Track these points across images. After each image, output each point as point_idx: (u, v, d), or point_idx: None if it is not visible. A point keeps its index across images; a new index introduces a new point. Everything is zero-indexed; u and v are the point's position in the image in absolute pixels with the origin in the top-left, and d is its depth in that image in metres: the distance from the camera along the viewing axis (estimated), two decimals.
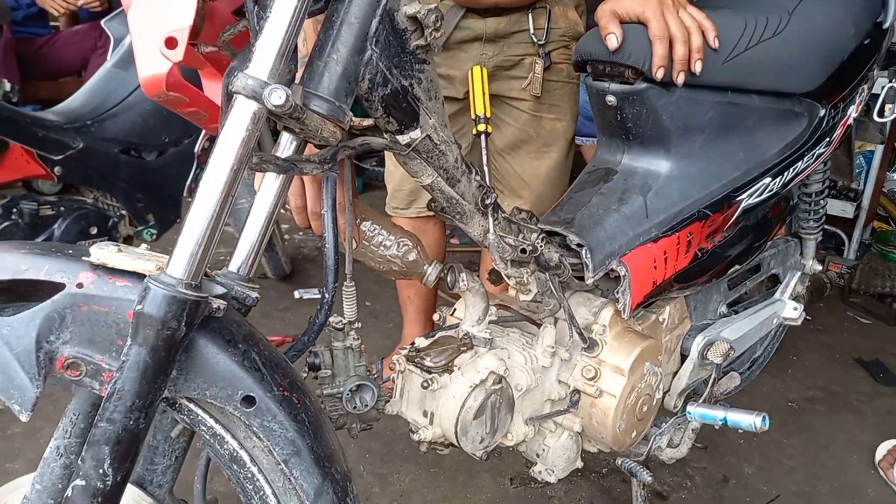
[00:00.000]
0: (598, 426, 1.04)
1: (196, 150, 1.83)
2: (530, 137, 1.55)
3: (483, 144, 0.94)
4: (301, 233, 2.97)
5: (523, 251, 0.90)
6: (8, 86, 2.01)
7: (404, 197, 1.64)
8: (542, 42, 1.42)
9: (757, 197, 1.17)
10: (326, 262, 0.82)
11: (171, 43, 0.61)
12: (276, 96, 0.62)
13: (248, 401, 0.68)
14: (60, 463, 0.71)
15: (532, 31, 1.41)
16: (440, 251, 1.76)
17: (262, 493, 0.72)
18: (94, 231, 1.73)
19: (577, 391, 1.03)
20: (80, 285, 0.66)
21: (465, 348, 0.98)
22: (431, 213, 1.72)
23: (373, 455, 1.58)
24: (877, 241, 2.68)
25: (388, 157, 1.67)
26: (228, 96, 0.65)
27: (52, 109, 1.75)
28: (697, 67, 1.01)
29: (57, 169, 1.65)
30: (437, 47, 1.42)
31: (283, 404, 0.70)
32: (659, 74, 1.00)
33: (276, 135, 0.84)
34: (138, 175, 1.80)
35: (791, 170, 1.20)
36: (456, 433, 0.93)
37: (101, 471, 0.62)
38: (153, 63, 0.63)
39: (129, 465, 0.64)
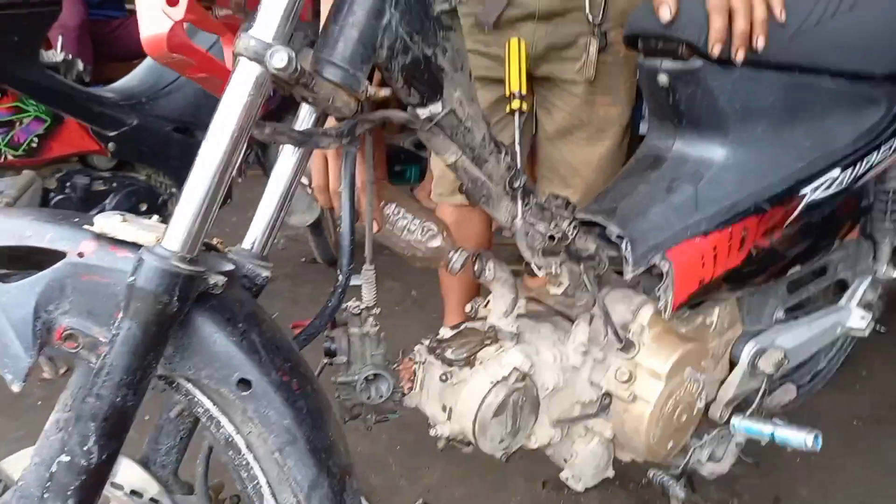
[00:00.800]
0: (631, 433, 0.97)
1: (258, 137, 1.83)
2: (582, 123, 1.47)
3: (517, 124, 0.87)
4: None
5: (551, 238, 0.84)
6: (81, 66, 2.06)
7: (450, 183, 1.58)
8: (598, 21, 1.33)
9: (824, 191, 1.06)
10: (342, 243, 0.78)
11: (172, 0, 0.58)
12: (279, 58, 0.58)
13: (244, 384, 0.65)
14: (59, 437, 0.70)
15: (588, 9, 1.32)
16: (484, 242, 1.70)
17: (256, 481, 0.68)
18: (143, 207, 1.75)
19: (608, 394, 0.96)
20: (81, 254, 0.64)
21: (489, 342, 0.92)
22: None
23: (404, 447, 1.54)
24: None
25: None
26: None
27: (109, 87, 1.78)
28: (760, 43, 0.91)
29: (111, 145, 1.68)
30: (488, 25, 1.37)
31: (281, 390, 0.66)
32: (716, 50, 0.91)
33: None
34: (189, 153, 1.80)
35: (864, 162, 1.08)
36: (474, 431, 0.88)
37: (85, 448, 0.60)
38: (155, 22, 0.60)
39: (115, 443, 0.62)
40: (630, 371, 0.95)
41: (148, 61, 1.85)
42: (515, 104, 0.89)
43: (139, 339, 0.60)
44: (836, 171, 1.06)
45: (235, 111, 0.60)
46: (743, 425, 1.02)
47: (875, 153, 1.09)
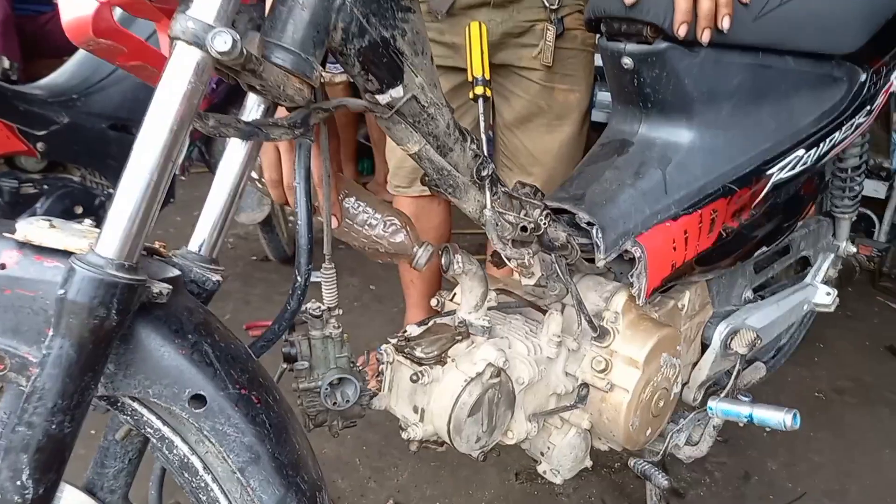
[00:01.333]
0: (609, 423, 0.94)
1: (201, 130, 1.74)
2: (541, 110, 1.44)
3: (480, 110, 0.83)
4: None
5: (524, 229, 0.80)
6: (7, 63, 1.92)
7: (406, 175, 1.53)
8: (555, 6, 1.29)
9: (789, 171, 1.05)
10: (299, 242, 0.73)
11: None
12: (221, 41, 0.52)
13: (198, 400, 0.59)
14: None
15: None
16: (445, 233, 1.65)
17: None
18: (79, 210, 1.64)
19: (585, 385, 0.93)
20: (2, 266, 0.57)
21: (460, 337, 0.88)
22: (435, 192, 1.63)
23: (370, 447, 1.49)
24: None
25: None
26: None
27: (37, 83, 1.66)
28: (725, 24, 0.89)
29: (40, 145, 1.56)
30: (441, 13, 1.32)
31: (240, 404, 0.60)
32: (681, 32, 0.88)
33: None
34: (127, 152, 1.70)
35: (827, 141, 1.08)
36: (449, 432, 0.84)
37: (18, 483, 0.53)
38: (78, 4, 0.53)
39: (53, 475, 0.55)
40: (606, 360, 0.92)
41: (79, 55, 1.73)
42: (479, 89, 0.85)
43: (74, 359, 0.53)
44: (800, 151, 1.05)
45: (174, 101, 0.54)
46: (720, 408, 1.01)
47: (837, 132, 1.09)
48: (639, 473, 1.02)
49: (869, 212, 2.56)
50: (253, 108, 0.71)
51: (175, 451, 0.63)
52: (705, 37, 0.90)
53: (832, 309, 1.30)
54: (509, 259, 0.85)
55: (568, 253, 0.90)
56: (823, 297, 1.27)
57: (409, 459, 1.46)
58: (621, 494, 1.38)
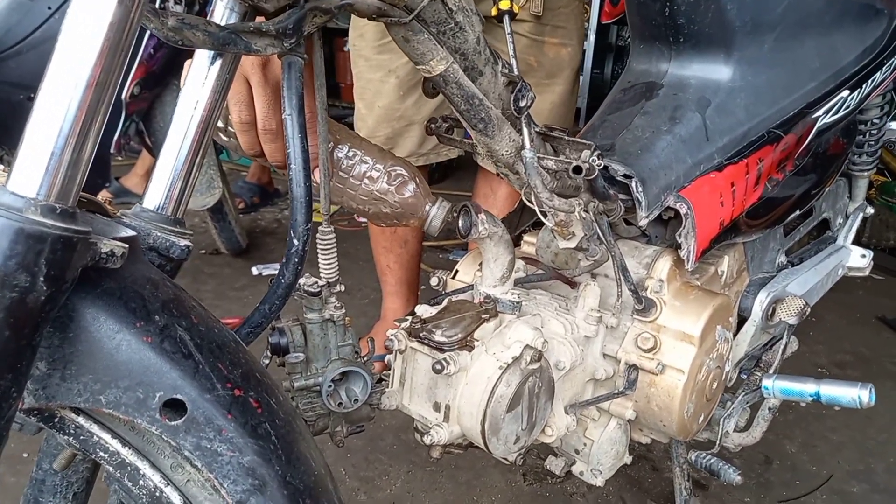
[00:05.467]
0: (660, 411, 0.80)
1: (124, 96, 1.51)
2: (530, 67, 1.30)
3: (507, 30, 0.67)
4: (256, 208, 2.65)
5: (577, 170, 0.64)
6: None
7: (380, 144, 1.36)
8: None
9: (833, 115, 0.93)
10: (294, 192, 0.55)
11: None
12: None
13: (174, 407, 0.41)
14: None
15: None
16: None
17: None
18: None
19: (633, 367, 0.79)
20: None
21: (486, 316, 0.72)
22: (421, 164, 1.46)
23: (355, 454, 1.31)
24: (881, 194, 2.51)
25: (358, 96, 1.39)
26: None
27: None
28: None
29: None
30: None
31: (234, 410, 0.43)
32: None
33: None
34: None
35: (869, 82, 0.97)
36: (483, 432, 0.67)
37: None
38: None
39: None
40: (654, 336, 0.78)
41: None
42: (504, 4, 0.69)
43: None
44: (844, 92, 0.94)
45: None
46: (779, 387, 0.88)
47: (878, 72, 0.98)
48: (703, 470, 0.89)
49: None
50: (224, 14, 0.53)
51: (141, 483, 0.44)
52: None
53: (867, 272, 1.20)
54: (548, 215, 0.69)
55: (613, 209, 0.75)
56: (858, 259, 1.17)
57: (400, 465, 1.28)
58: (640, 490, 1.25)
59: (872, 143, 1.24)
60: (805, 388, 0.87)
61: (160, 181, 0.55)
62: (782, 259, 1.07)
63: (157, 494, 0.44)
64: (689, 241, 0.79)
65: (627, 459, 0.87)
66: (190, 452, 0.42)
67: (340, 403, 0.66)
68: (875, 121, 1.22)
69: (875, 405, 1.49)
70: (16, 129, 1.41)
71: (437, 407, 0.71)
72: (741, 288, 0.99)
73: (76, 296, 0.39)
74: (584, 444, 0.84)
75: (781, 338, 1.08)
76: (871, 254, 1.18)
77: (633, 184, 0.78)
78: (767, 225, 0.96)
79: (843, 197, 1.29)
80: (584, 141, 0.67)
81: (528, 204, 0.70)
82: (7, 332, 0.35)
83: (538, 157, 0.66)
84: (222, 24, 0.52)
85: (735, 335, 0.99)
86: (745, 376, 1.00)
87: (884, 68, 0.99)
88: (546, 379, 0.71)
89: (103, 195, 2.41)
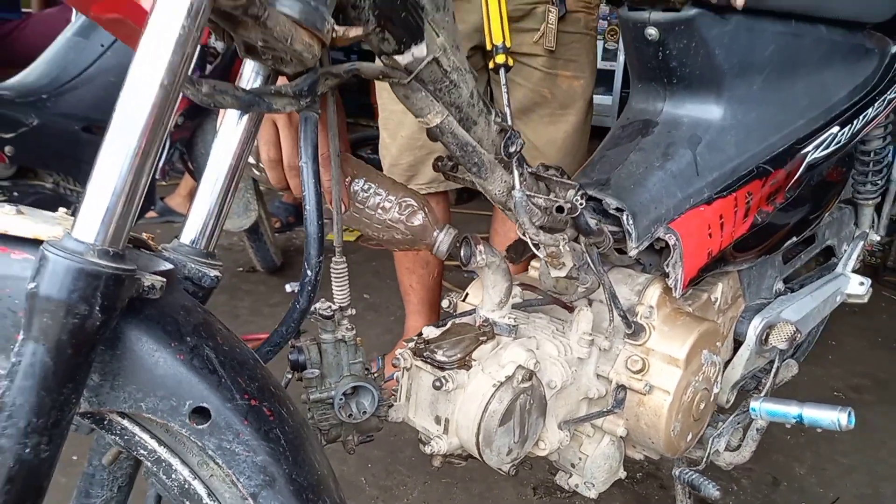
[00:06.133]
0: (648, 429, 0.86)
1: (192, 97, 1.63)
2: (544, 99, 1.36)
3: (503, 80, 0.75)
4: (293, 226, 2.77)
5: (559, 209, 0.71)
6: None
7: (402, 172, 1.45)
8: None
9: (823, 150, 0.98)
10: (308, 230, 0.63)
11: None
12: None
13: (200, 414, 0.50)
14: None
15: None
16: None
17: None
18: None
19: (622, 387, 0.85)
20: None
21: (484, 338, 0.79)
22: (433, 191, 1.54)
23: (376, 465, 1.39)
24: None
25: (383, 125, 1.48)
26: None
27: (3, 83, 1.55)
28: None
29: (8, 149, 1.45)
30: None
31: (250, 417, 0.51)
32: None
33: None
34: None
35: (860, 118, 1.02)
36: (478, 443, 0.75)
37: None
38: None
39: None
40: (643, 359, 0.84)
41: (50, 52, 1.62)
42: (500, 58, 0.77)
43: (50, 368, 0.44)
44: (834, 128, 0.99)
45: (163, 52, 0.45)
46: (765, 408, 0.93)
47: (870, 108, 1.03)
48: (685, 485, 0.94)
49: None
50: (251, 77, 0.62)
51: (174, 476, 0.53)
52: (740, 0, 0.83)
53: (866, 299, 1.23)
54: (540, 247, 0.77)
55: (601, 241, 0.81)
56: (857, 287, 1.20)
57: (418, 476, 1.36)
58: None
59: (876, 172, 1.27)
60: (789, 411, 0.91)
61: (195, 219, 0.64)
62: (780, 286, 1.12)
63: (186, 486, 0.53)
64: (677, 271, 0.85)
65: (622, 474, 0.93)
66: (213, 452, 0.50)
67: (351, 415, 0.73)
68: (877, 151, 1.26)
69: (888, 428, 1.52)
70: (70, 156, 1.55)
71: (437, 420, 0.78)
72: (737, 314, 1.04)
73: (123, 321, 0.48)
74: (580, 459, 0.90)
75: (775, 362, 1.13)
76: (870, 281, 1.21)
77: (625, 217, 0.85)
78: (759, 254, 1.01)
79: (848, 224, 1.32)
80: (569, 182, 0.74)
81: (520, 237, 0.77)
82: (70, 351, 0.44)
83: (528, 196, 0.73)
84: (249, 85, 0.61)
85: (731, 359, 1.05)
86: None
87: (876, 104, 1.03)
88: (537, 396, 0.78)
89: (149, 215, 2.56)
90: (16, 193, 1.47)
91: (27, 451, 0.44)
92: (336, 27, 0.54)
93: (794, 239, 1.09)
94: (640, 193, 0.88)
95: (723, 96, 0.92)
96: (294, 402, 0.58)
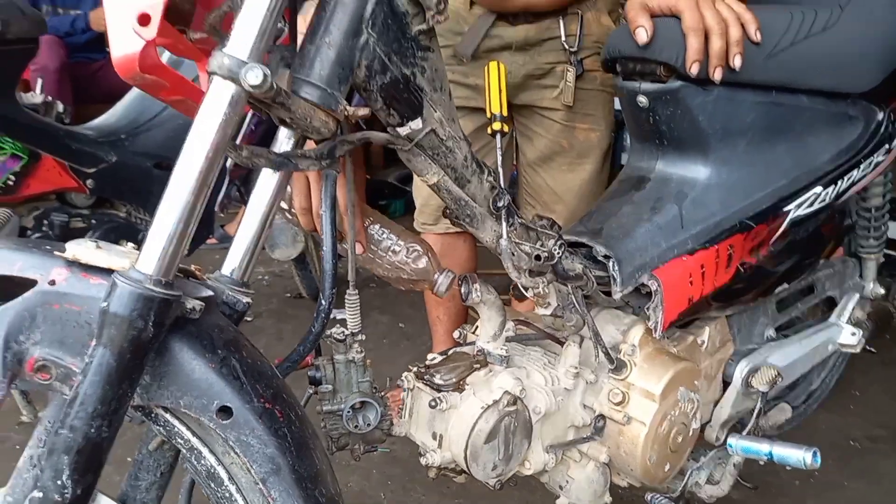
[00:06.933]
0: (627, 457, 0.94)
1: (228, 164, 1.83)
2: (563, 149, 1.48)
3: (498, 144, 0.87)
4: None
5: (538, 258, 0.83)
6: (61, 107, 2.06)
7: (432, 212, 1.58)
8: (574, 49, 1.35)
9: (807, 208, 1.06)
10: (324, 267, 0.77)
11: (143, 20, 0.57)
12: (253, 75, 0.57)
13: (225, 412, 0.63)
14: (32, 474, 0.66)
15: (563, 39, 1.34)
16: (471, 270, 1.69)
17: None
18: (126, 244, 1.72)
19: (602, 417, 0.94)
20: (52, 282, 0.62)
21: (478, 366, 0.90)
22: (461, 230, 1.67)
23: (394, 482, 1.50)
24: None
25: None
26: None
27: (88, 124, 1.77)
28: (737, 62, 0.92)
29: (89, 182, 1.67)
30: (466, 57, 1.39)
31: (264, 417, 0.64)
32: (694, 69, 0.92)
33: None
34: None
35: (845, 179, 1.09)
36: (466, 458, 0.85)
37: (59, 482, 0.57)
38: (126, 42, 0.59)
39: (90, 477, 0.59)
40: (623, 392, 0.93)
41: (128, 98, 1.84)
42: (496, 125, 0.89)
43: (113, 367, 0.58)
44: (818, 188, 1.07)
45: (210, 130, 0.59)
46: (740, 445, 1.00)
47: (855, 170, 1.10)
48: None
49: None
50: (284, 140, 0.76)
51: (203, 462, 0.66)
52: (717, 75, 0.93)
53: (858, 349, 1.28)
54: (525, 288, 0.88)
55: (584, 284, 0.92)
56: (848, 337, 1.26)
57: (432, 495, 1.46)
58: None
59: (877, 227, 1.33)
60: (761, 448, 0.98)
61: (235, 254, 0.78)
62: (771, 332, 1.19)
63: (212, 471, 0.66)
64: (657, 314, 0.95)
65: (607, 499, 1.01)
66: (233, 443, 0.63)
67: (357, 426, 0.86)
68: (877, 207, 1.32)
69: None
70: (143, 189, 1.76)
71: (434, 435, 0.89)
72: (725, 356, 1.12)
73: (170, 335, 0.62)
74: (567, 481, 0.99)
75: (777, 403, 1.20)
76: (861, 332, 1.26)
77: (611, 264, 0.95)
78: (746, 302, 1.09)
79: (852, 277, 1.38)
80: (551, 233, 0.85)
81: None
82: (128, 356, 0.58)
83: (516, 243, 0.85)
84: (282, 148, 0.76)
85: (720, 399, 1.12)
86: None
87: (861, 167, 1.11)
88: (522, 420, 0.88)
89: (210, 241, 2.78)
90: (94, 221, 1.68)
91: (92, 430, 0.58)
92: (348, 107, 0.68)
93: (786, 286, 1.16)
94: (627, 242, 0.98)
95: (708, 157, 1.01)
96: (303, 410, 0.71)
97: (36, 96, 1.75)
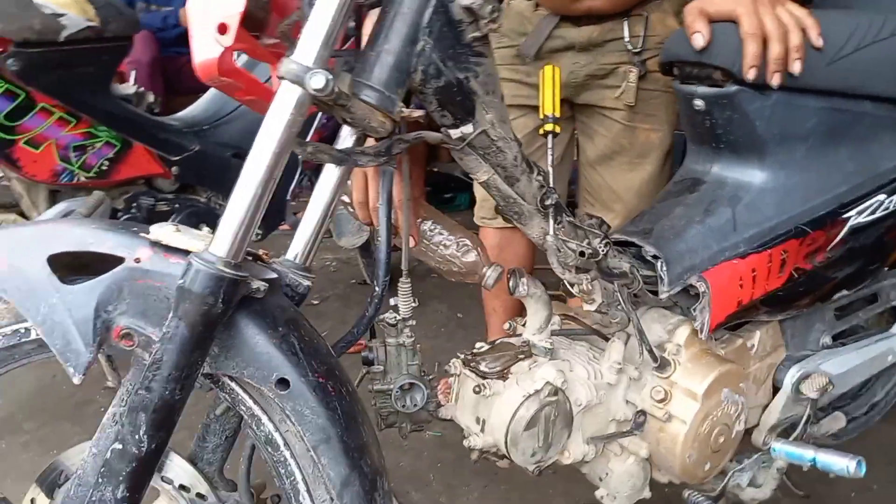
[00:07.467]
0: (666, 453, 0.96)
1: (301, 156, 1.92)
2: (623, 148, 1.48)
3: (549, 144, 0.90)
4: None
5: (581, 254, 0.86)
6: (152, 97, 2.21)
7: (491, 208, 1.61)
8: (638, 50, 1.35)
9: (868, 215, 1.04)
10: (378, 256, 0.83)
11: (222, 28, 0.64)
12: (317, 80, 0.63)
13: (283, 383, 0.69)
14: (114, 429, 0.75)
15: (627, 40, 1.35)
16: (528, 265, 1.71)
17: (292, 477, 0.72)
18: (203, 228, 1.84)
19: (643, 413, 0.96)
20: (137, 260, 0.70)
21: (522, 356, 0.94)
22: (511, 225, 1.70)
23: (444, 465, 1.56)
24: None
25: None
26: None
27: (174, 116, 1.90)
28: (796, 68, 0.92)
29: (174, 169, 1.79)
30: (529, 57, 1.42)
31: (317, 390, 0.70)
32: (750, 75, 0.92)
33: None
34: None
35: None
36: (506, 443, 0.90)
37: (136, 437, 0.65)
38: (207, 48, 0.66)
39: (164, 434, 0.67)
40: (666, 390, 0.95)
41: (210, 93, 1.96)
42: (548, 126, 0.92)
43: (187, 338, 0.65)
44: (881, 196, 1.04)
45: (278, 129, 0.65)
46: (784, 449, 1.00)
47: None
48: None
49: None
50: (346, 137, 0.82)
51: (262, 428, 0.73)
52: (775, 80, 0.93)
53: None
54: (571, 284, 0.91)
55: (630, 282, 0.94)
56: None
57: (480, 480, 1.51)
58: None
59: None
60: (805, 454, 0.98)
61: (299, 240, 0.85)
62: (827, 340, 1.17)
63: (270, 437, 0.73)
64: (704, 315, 0.96)
65: (647, 494, 1.03)
66: (289, 412, 0.70)
67: (404, 406, 0.91)
68: None
69: None
70: (222, 177, 1.88)
71: (477, 420, 0.94)
72: (776, 361, 1.12)
73: (237, 311, 0.69)
74: (607, 473, 1.02)
75: (831, 411, 1.18)
76: None
77: (659, 264, 0.97)
78: (799, 308, 1.08)
79: None
80: (597, 231, 0.88)
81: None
82: (200, 328, 0.65)
83: (563, 240, 0.88)
84: (344, 144, 0.82)
85: (769, 404, 1.12)
86: None
87: None
88: (563, 411, 0.92)
89: (283, 227, 2.92)
90: (177, 205, 1.80)
91: (167, 392, 0.66)
92: (404, 109, 0.73)
93: (845, 293, 1.14)
94: (677, 243, 0.99)
95: (765, 162, 1.01)
96: (354, 387, 0.77)
97: (129, 87, 1.88)
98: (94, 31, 1.52)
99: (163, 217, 1.79)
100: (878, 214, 1.05)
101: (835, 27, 0.95)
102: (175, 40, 3.22)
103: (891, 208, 1.06)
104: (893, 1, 1.06)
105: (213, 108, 1.89)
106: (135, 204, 1.75)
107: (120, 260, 0.70)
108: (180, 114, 1.91)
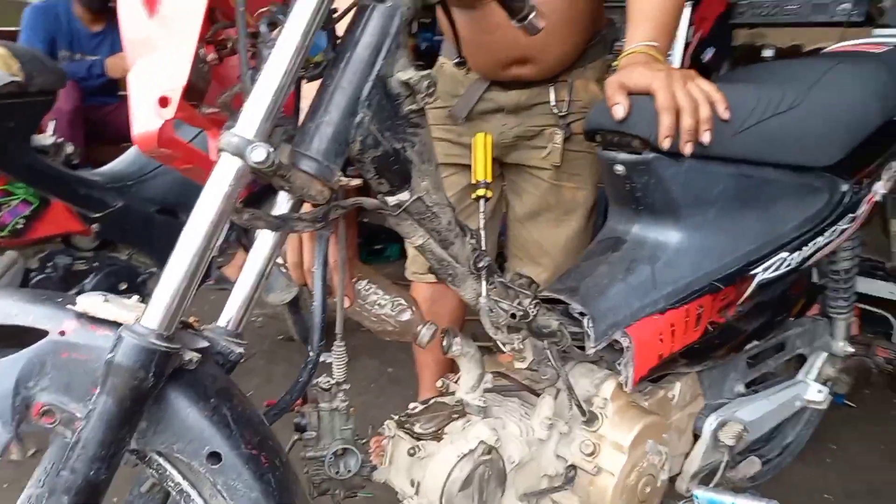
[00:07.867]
0: None
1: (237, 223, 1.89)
2: (550, 206, 1.54)
3: (481, 209, 0.94)
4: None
5: (513, 316, 0.89)
6: (70, 148, 2.11)
7: (423, 263, 1.63)
8: (563, 113, 1.43)
9: (773, 271, 1.13)
10: (314, 320, 0.83)
11: (163, 102, 0.64)
12: (258, 154, 0.64)
13: (214, 457, 0.68)
14: None
15: (553, 104, 1.43)
16: (459, 318, 1.74)
17: None
18: (123, 286, 1.78)
19: (573, 467, 0.99)
20: (62, 333, 0.67)
21: (456, 416, 0.95)
22: None
23: None
24: None
25: None
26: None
27: (97, 170, 1.84)
28: (706, 138, 1.00)
29: (95, 226, 1.73)
30: (461, 118, 1.47)
31: (250, 463, 0.69)
32: (665, 144, 0.99)
33: None
34: (172, 233, 1.85)
35: (811, 245, 1.16)
36: None
37: None
38: (147, 120, 0.66)
39: None
40: (594, 443, 0.98)
41: (135, 148, 1.92)
42: (480, 192, 0.96)
43: (114, 414, 0.63)
44: (784, 254, 1.13)
45: (216, 200, 0.65)
46: (705, 497, 1.05)
47: (820, 237, 1.17)
48: None
49: (888, 314, 2.58)
50: (283, 202, 0.83)
51: None
52: (687, 149, 1.00)
53: (824, 406, 1.34)
54: (502, 344, 0.93)
55: (559, 340, 0.97)
56: (815, 394, 1.31)
57: None
58: None
59: (846, 289, 1.40)
60: (724, 500, 1.03)
61: (231, 306, 0.84)
62: (741, 388, 1.24)
63: None
64: (628, 369, 1.00)
65: None
66: (221, 487, 0.68)
67: (338, 472, 0.90)
68: (846, 270, 1.39)
69: None
70: (146, 234, 1.82)
71: (412, 483, 0.94)
72: (696, 411, 1.17)
73: (168, 383, 0.67)
74: None
75: (747, 456, 1.24)
76: (827, 390, 1.31)
77: (586, 321, 1.01)
78: (715, 359, 1.15)
79: (822, 336, 1.44)
80: (527, 292, 0.91)
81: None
82: (129, 403, 0.63)
83: (495, 300, 0.91)
84: (280, 210, 0.82)
85: (690, 452, 1.17)
86: None
87: (826, 233, 1.17)
88: (497, 469, 0.93)
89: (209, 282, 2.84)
90: (96, 263, 1.73)
91: (91, 472, 0.63)
92: (342, 178, 0.75)
93: (756, 343, 1.22)
94: (602, 301, 1.04)
95: (680, 223, 1.08)
96: (287, 456, 0.75)
97: (47, 138, 1.81)
98: (19, 86, 1.48)
99: (80, 277, 1.72)
100: (782, 270, 1.14)
101: (740, 101, 1.04)
102: (99, 88, 3.14)
103: (793, 265, 1.15)
104: (789, 74, 1.18)
105: (138, 163, 1.84)
106: (50, 263, 1.67)
107: (44, 333, 0.67)
108: (103, 168, 1.85)
